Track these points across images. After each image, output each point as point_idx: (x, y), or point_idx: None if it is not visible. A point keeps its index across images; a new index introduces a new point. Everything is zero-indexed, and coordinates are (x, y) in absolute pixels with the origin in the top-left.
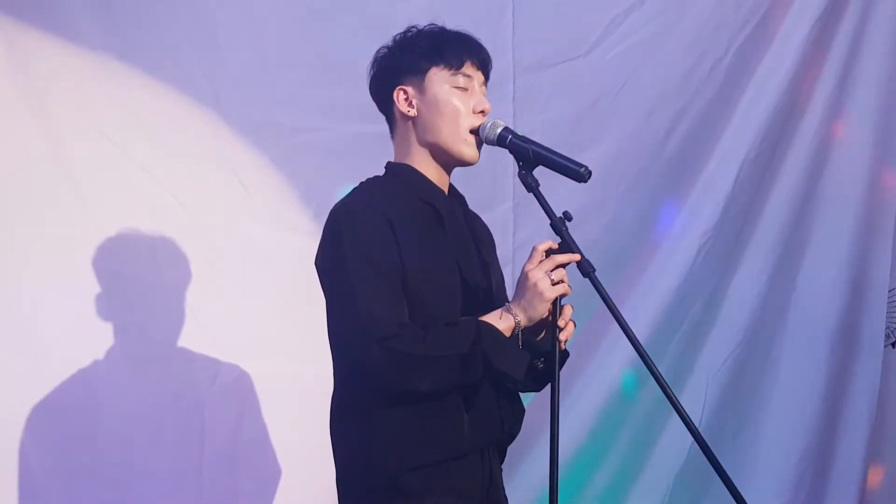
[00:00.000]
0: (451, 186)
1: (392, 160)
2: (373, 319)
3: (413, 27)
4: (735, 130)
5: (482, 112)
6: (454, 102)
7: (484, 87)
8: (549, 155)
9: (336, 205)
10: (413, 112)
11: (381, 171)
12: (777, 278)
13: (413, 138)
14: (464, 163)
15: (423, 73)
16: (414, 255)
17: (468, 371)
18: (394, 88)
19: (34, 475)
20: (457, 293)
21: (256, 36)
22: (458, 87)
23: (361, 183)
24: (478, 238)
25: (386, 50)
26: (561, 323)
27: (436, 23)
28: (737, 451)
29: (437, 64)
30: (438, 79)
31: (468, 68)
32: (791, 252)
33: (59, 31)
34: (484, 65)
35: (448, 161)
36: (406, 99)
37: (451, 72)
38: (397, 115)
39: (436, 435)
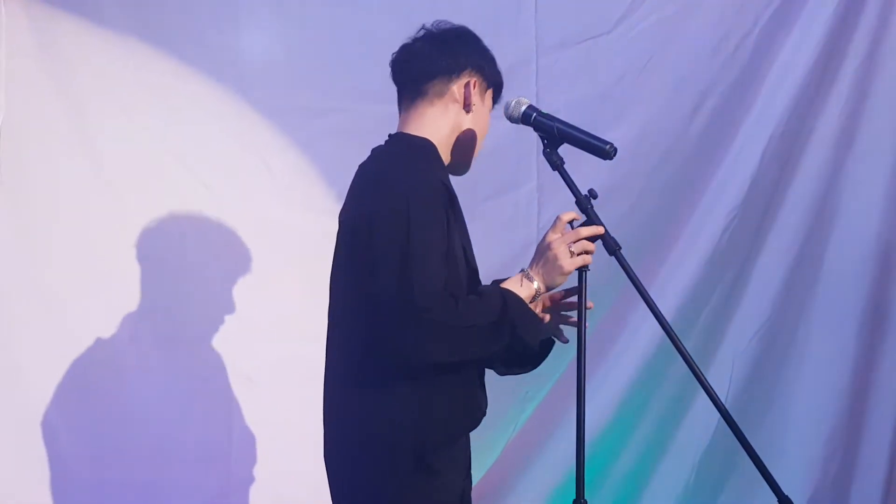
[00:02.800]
0: None
1: (405, 130)
2: (416, 293)
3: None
4: (761, 108)
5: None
6: (486, 128)
7: None
8: (574, 132)
9: (394, 175)
10: (471, 107)
11: None
12: (804, 256)
13: (452, 123)
14: (456, 174)
15: (491, 86)
16: (452, 230)
17: (496, 340)
18: (465, 72)
19: (65, 457)
20: (464, 270)
21: (280, 18)
22: (490, 111)
23: (401, 154)
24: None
25: (450, 30)
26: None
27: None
28: (763, 429)
29: (498, 86)
30: (488, 102)
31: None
32: (818, 229)
33: (86, 14)
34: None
35: (452, 166)
36: (475, 90)
37: (494, 100)
38: (454, 93)
39: (461, 408)
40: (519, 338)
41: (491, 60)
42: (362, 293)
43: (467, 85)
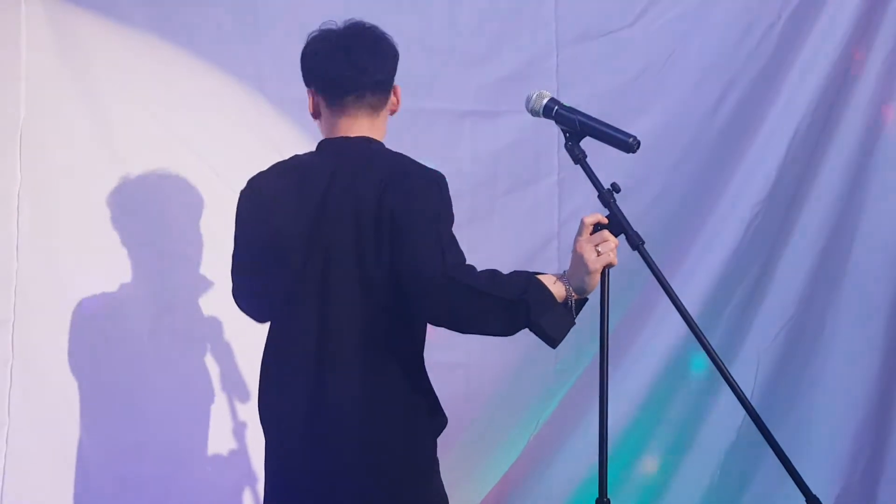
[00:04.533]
0: None
1: (371, 135)
2: (445, 255)
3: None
4: (786, 100)
5: None
6: None
7: None
8: (597, 125)
9: (425, 169)
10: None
11: (421, 146)
12: (831, 250)
13: (384, 129)
14: None
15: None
16: None
17: (513, 319)
18: (393, 81)
19: (83, 455)
20: None
21: (296, 12)
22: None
23: (404, 156)
24: None
25: (380, 34)
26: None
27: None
28: (789, 426)
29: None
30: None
31: None
32: (845, 223)
33: (104, 10)
34: None
35: None
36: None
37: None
38: (391, 102)
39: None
40: (535, 323)
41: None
42: (383, 276)
43: (396, 92)
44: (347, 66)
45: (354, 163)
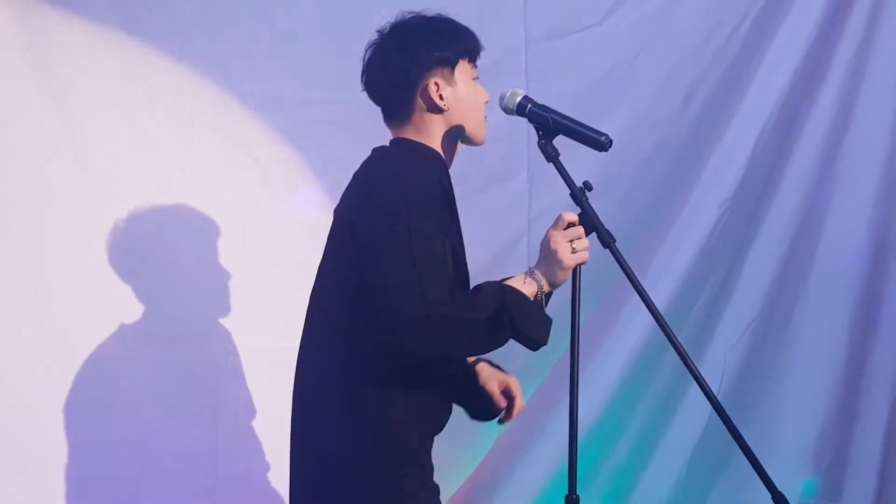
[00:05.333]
0: None
1: (404, 136)
2: (422, 286)
3: (409, 14)
4: (754, 98)
5: (486, 102)
6: (478, 97)
7: None
8: (569, 124)
9: (396, 170)
10: (444, 105)
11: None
12: (797, 247)
13: (437, 127)
14: (478, 143)
15: (453, 64)
16: (452, 229)
17: (496, 335)
18: (421, 81)
19: (51, 453)
20: (465, 270)
21: (265, 8)
22: (475, 80)
23: (398, 154)
24: None
25: (392, 39)
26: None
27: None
28: (756, 422)
29: (462, 56)
30: (464, 71)
31: (477, 60)
32: (811, 220)
33: (72, 8)
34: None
35: (465, 142)
36: (437, 91)
37: (472, 65)
38: (423, 104)
39: (438, 407)
40: (520, 332)
41: (445, 38)
42: (355, 291)
43: (426, 92)
44: (363, 85)
45: (356, 173)
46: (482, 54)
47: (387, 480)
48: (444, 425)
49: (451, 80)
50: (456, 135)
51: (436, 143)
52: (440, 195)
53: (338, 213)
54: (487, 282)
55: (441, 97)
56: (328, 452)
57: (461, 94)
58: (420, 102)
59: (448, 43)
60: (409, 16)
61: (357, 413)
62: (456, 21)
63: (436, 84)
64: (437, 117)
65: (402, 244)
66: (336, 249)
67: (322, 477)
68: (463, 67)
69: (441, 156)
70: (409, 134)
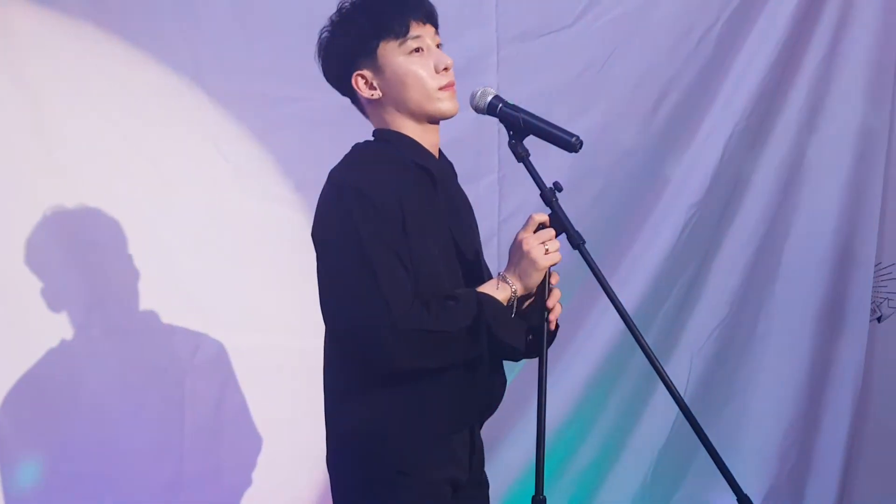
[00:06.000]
0: (440, 152)
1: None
2: (386, 300)
3: (344, 2)
4: (723, 102)
5: (445, 69)
6: (415, 71)
7: (437, 37)
8: (540, 124)
9: (339, 177)
10: (377, 94)
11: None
12: (763, 252)
13: (386, 114)
14: (444, 117)
15: (373, 51)
16: (418, 227)
17: (473, 344)
18: (350, 76)
19: (10, 451)
20: (454, 262)
21: (237, 4)
22: (412, 53)
23: (355, 150)
24: (465, 204)
25: (327, 34)
26: (552, 281)
27: None
28: (722, 424)
29: (383, 38)
30: (390, 52)
31: (415, 28)
32: (778, 226)
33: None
34: (429, 17)
35: (429, 121)
36: (367, 83)
37: (399, 41)
38: (362, 99)
39: (440, 410)
40: (498, 340)
41: (358, 27)
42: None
43: (357, 88)
44: None
45: None
46: (456, 53)
47: (375, 488)
48: (447, 429)
49: (377, 68)
50: (411, 115)
51: (400, 127)
52: (384, 191)
53: None
54: (462, 289)
55: (373, 87)
56: (329, 456)
57: (391, 76)
58: (360, 97)
59: (363, 28)
60: (345, 5)
61: (337, 420)
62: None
63: (360, 77)
64: (382, 105)
65: (355, 260)
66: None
67: (330, 482)
68: (388, 48)
69: (408, 136)
70: (378, 123)
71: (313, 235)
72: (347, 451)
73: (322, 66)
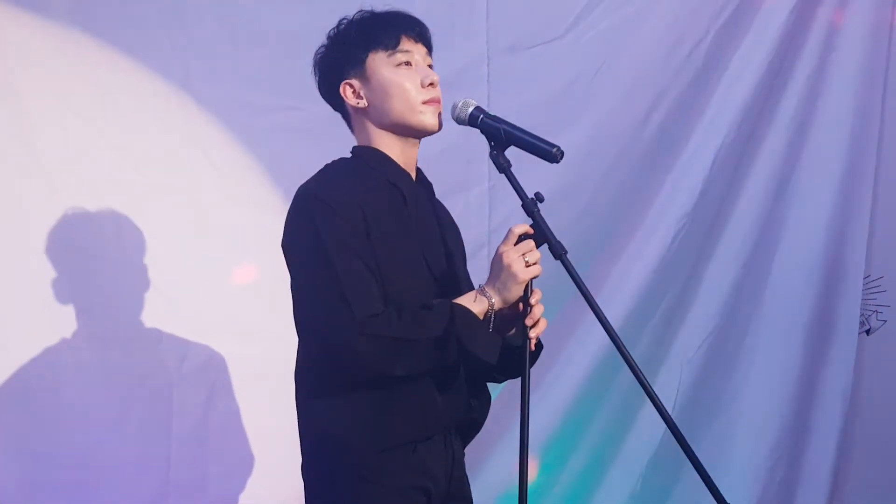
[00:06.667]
0: (418, 171)
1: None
2: (350, 304)
3: (344, 19)
4: (713, 114)
5: (431, 85)
6: (400, 82)
7: (428, 58)
8: (521, 135)
9: (304, 188)
10: (363, 103)
11: (347, 156)
12: (753, 264)
13: (370, 125)
14: (426, 132)
15: (362, 62)
16: (383, 239)
17: (442, 354)
18: (338, 86)
19: None
20: (422, 276)
21: (227, 12)
22: (400, 66)
23: (327, 165)
24: (442, 223)
25: (323, 49)
26: (533, 300)
27: (365, 8)
28: (710, 438)
29: (372, 49)
30: (378, 63)
31: (405, 44)
32: (767, 237)
33: (28, 4)
34: (421, 36)
35: (410, 135)
36: (354, 92)
37: (388, 52)
38: (350, 109)
39: (403, 417)
40: (468, 352)
41: (351, 38)
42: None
43: (344, 96)
44: None
45: None
46: (447, 64)
47: (340, 494)
48: (411, 435)
49: (364, 77)
50: (393, 127)
51: (379, 142)
52: (348, 202)
53: None
54: (438, 300)
55: (359, 96)
56: (301, 463)
57: (377, 85)
58: (348, 107)
59: (355, 40)
60: (342, 22)
61: (304, 424)
62: (380, 11)
63: (348, 86)
64: (368, 116)
65: (320, 267)
66: None
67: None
68: (377, 59)
69: (383, 154)
70: (359, 139)
71: (282, 246)
72: (314, 458)
73: (316, 78)
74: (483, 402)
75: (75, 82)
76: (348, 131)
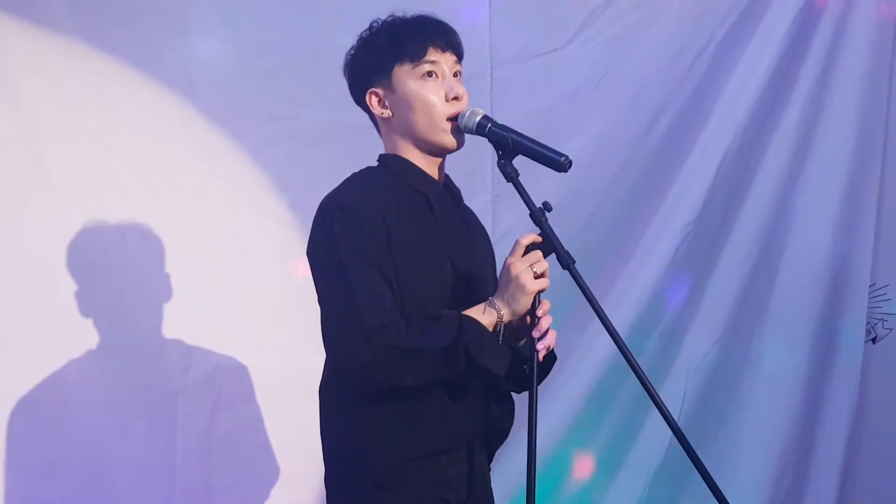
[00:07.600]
0: (446, 178)
1: (383, 152)
2: (360, 314)
3: (375, 22)
4: (717, 122)
5: (456, 98)
6: (424, 95)
7: (457, 66)
8: (529, 144)
9: (327, 197)
10: (387, 113)
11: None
12: (758, 272)
13: (394, 135)
14: (446, 150)
15: (387, 72)
16: (406, 245)
17: (450, 366)
18: (365, 92)
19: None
20: (446, 282)
21: (230, 22)
22: (425, 78)
23: (353, 174)
24: (471, 228)
25: (352, 52)
26: (539, 312)
27: (397, 13)
28: (716, 446)
29: (398, 60)
30: (403, 75)
31: (432, 54)
32: (772, 246)
33: (31, 16)
34: (450, 45)
35: (432, 150)
36: (379, 101)
37: (414, 64)
38: (376, 118)
39: (421, 429)
40: (476, 363)
41: (378, 47)
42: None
43: (369, 105)
44: None
45: None
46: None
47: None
48: (431, 447)
49: (390, 87)
50: (416, 141)
51: (405, 152)
52: (369, 210)
53: None
54: (448, 311)
55: (384, 105)
56: (325, 473)
57: (401, 97)
58: (374, 116)
59: (382, 49)
60: (374, 25)
61: (326, 434)
62: (409, 18)
63: (374, 95)
64: (392, 126)
65: (335, 277)
66: None
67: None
68: (402, 70)
69: (409, 162)
70: (386, 146)
71: (307, 255)
72: (334, 469)
73: (347, 82)
74: (506, 410)
75: (80, 93)
76: (353, 140)
